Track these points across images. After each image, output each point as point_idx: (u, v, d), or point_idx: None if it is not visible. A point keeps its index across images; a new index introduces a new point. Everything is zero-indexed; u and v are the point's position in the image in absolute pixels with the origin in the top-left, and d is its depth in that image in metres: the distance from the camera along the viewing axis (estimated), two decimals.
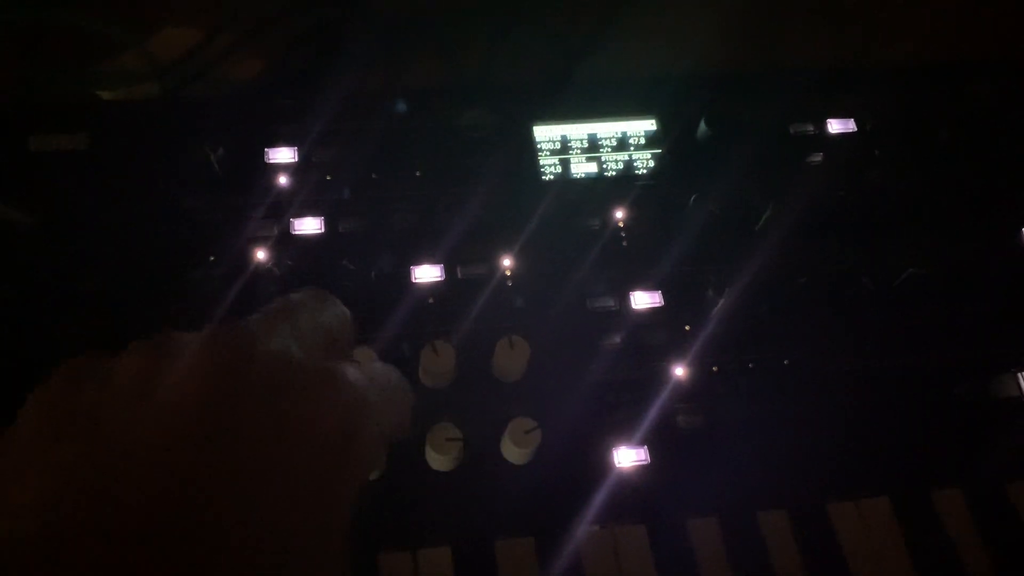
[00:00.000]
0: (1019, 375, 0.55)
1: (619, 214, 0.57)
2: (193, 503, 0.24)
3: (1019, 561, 0.50)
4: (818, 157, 0.60)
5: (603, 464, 0.49)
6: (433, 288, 0.53)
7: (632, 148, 0.60)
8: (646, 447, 0.50)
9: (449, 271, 0.54)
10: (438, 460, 0.47)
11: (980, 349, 0.55)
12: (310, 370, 0.28)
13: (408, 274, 0.53)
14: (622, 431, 0.50)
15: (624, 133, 0.60)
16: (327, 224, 0.54)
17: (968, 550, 0.50)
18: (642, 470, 0.49)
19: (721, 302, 0.53)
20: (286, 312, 0.31)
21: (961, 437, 0.53)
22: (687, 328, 0.54)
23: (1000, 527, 0.51)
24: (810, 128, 0.61)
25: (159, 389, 0.26)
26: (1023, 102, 0.64)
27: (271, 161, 0.56)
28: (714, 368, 0.53)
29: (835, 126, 0.62)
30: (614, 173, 0.59)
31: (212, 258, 0.52)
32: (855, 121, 0.62)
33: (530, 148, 0.59)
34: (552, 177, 0.58)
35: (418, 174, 0.56)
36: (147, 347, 0.28)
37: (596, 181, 0.58)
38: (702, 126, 0.59)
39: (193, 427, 0.25)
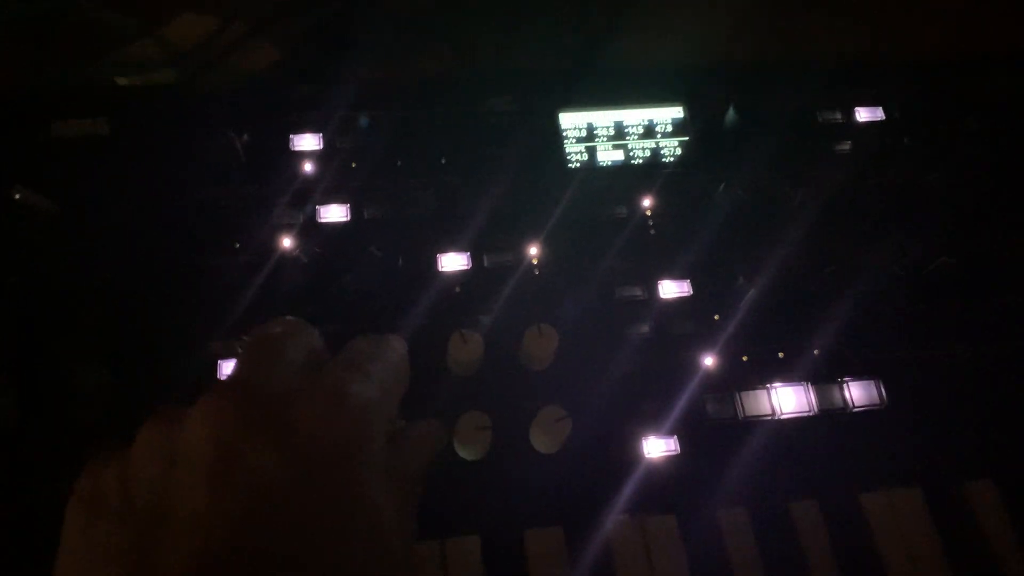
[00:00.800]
0: None
1: (646, 202, 0.56)
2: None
3: None
4: (846, 145, 0.60)
5: (632, 454, 0.49)
6: (460, 277, 0.53)
7: (659, 135, 0.59)
8: (676, 437, 0.49)
9: (475, 259, 0.53)
10: (467, 449, 0.47)
11: (1012, 339, 0.54)
12: (313, 392, 0.30)
13: (434, 262, 0.53)
14: (651, 421, 0.50)
15: (651, 120, 0.59)
16: (352, 212, 0.54)
17: (1001, 541, 0.50)
18: (672, 460, 0.49)
19: (750, 291, 0.53)
20: (270, 347, 0.31)
21: (994, 428, 0.52)
22: (716, 317, 0.53)
23: None
24: (838, 116, 0.61)
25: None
26: None
27: (296, 148, 0.55)
28: (744, 358, 0.52)
29: (863, 114, 0.61)
30: (641, 161, 0.58)
31: (237, 245, 0.52)
32: (883, 109, 0.61)
33: (556, 135, 0.58)
34: (578, 165, 0.58)
35: (443, 161, 0.56)
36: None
37: (623, 169, 0.58)
38: (730, 113, 0.59)
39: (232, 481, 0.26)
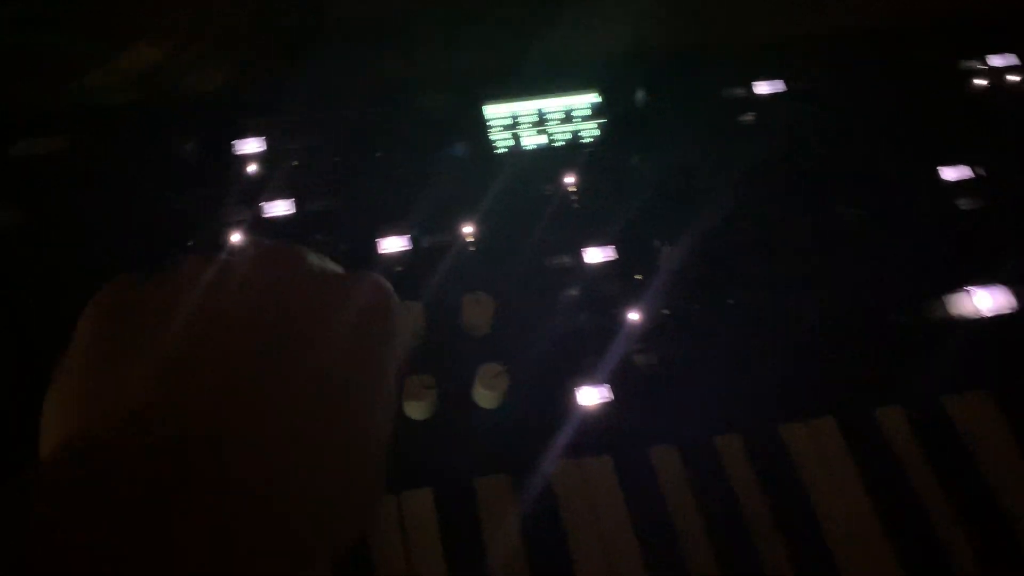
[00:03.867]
0: (947, 299, 0.59)
1: (569, 179, 0.61)
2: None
3: (957, 469, 0.54)
4: (750, 117, 0.65)
5: (569, 404, 0.53)
6: (400, 257, 0.57)
7: (578, 120, 0.64)
8: (608, 386, 0.54)
9: (415, 241, 0.57)
10: (415, 408, 0.50)
11: (911, 277, 0.60)
12: (345, 275, 0.34)
13: (375, 246, 0.57)
14: (585, 373, 0.54)
15: (570, 107, 0.64)
16: (297, 206, 0.58)
17: (911, 461, 0.55)
18: (605, 407, 0.53)
19: (668, 251, 0.58)
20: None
21: (899, 358, 0.57)
22: (638, 277, 0.58)
23: (938, 438, 0.55)
24: (741, 91, 0.66)
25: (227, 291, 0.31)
26: (928, 60, 0.70)
27: (240, 152, 0.59)
28: (665, 311, 0.57)
29: (765, 88, 0.67)
30: (562, 143, 0.63)
31: (191, 243, 0.56)
32: (784, 82, 0.67)
33: (482, 125, 0.63)
34: (505, 150, 0.62)
35: (378, 155, 0.60)
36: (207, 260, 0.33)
37: (546, 151, 0.63)
38: (640, 95, 0.64)
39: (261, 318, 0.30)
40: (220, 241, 0.56)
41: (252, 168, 0.59)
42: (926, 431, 0.56)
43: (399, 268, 0.57)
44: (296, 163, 0.59)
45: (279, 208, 0.57)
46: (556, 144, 0.63)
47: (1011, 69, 0.71)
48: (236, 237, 0.56)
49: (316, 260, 0.34)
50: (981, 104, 0.70)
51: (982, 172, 0.65)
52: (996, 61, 0.72)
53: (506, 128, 0.63)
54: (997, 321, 0.59)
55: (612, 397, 0.53)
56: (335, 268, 0.35)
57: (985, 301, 0.60)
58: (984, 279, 0.60)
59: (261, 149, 0.59)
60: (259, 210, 0.57)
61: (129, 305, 0.31)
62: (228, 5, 0.71)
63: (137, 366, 0.28)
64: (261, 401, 0.27)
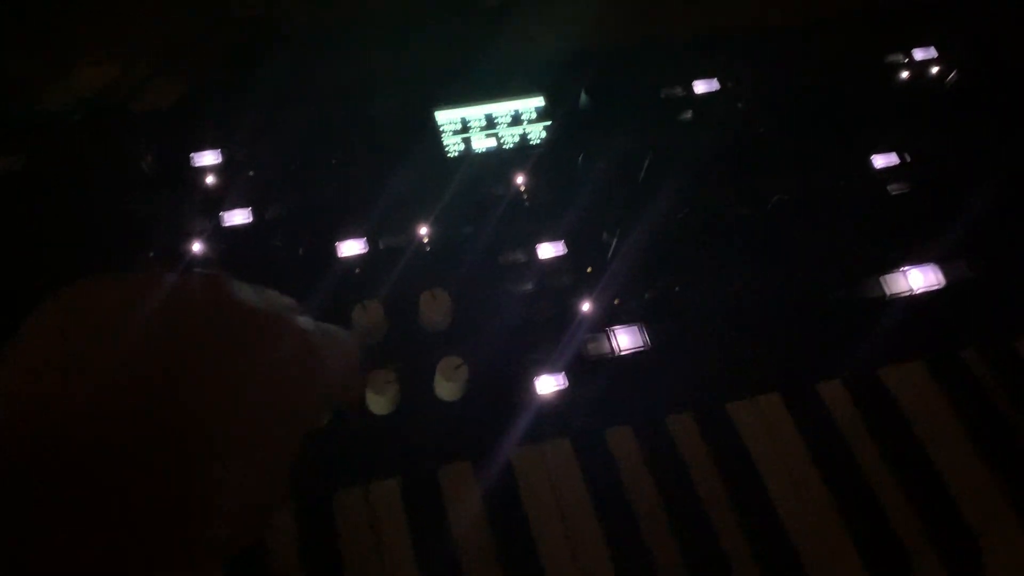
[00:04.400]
0: (880, 278, 0.63)
1: (519, 180, 0.63)
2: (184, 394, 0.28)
3: (895, 435, 0.58)
4: (688, 114, 0.68)
5: (527, 392, 0.55)
6: (358, 260, 0.59)
7: (525, 123, 0.67)
8: (563, 374, 0.56)
9: (371, 244, 0.59)
10: (378, 402, 0.52)
11: (845, 258, 0.63)
12: (270, 315, 0.32)
13: (334, 250, 0.59)
14: (541, 362, 0.56)
15: (517, 111, 0.67)
16: (255, 214, 0.59)
17: (852, 430, 0.58)
18: (561, 393, 0.56)
19: (615, 244, 0.60)
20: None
21: (837, 335, 0.61)
22: (589, 270, 0.60)
23: (876, 407, 0.59)
24: (679, 90, 0.69)
25: (144, 318, 0.30)
26: (861, 52, 0.74)
27: (197, 164, 0.61)
28: (616, 301, 0.59)
29: (701, 87, 0.70)
30: (511, 146, 0.66)
31: (152, 255, 0.57)
32: (718, 80, 0.70)
33: (434, 131, 0.65)
34: (456, 154, 0.65)
35: (333, 162, 0.62)
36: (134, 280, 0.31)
37: (496, 154, 0.65)
38: (583, 97, 0.67)
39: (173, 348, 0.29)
40: (181, 252, 0.57)
41: (210, 179, 0.60)
42: (865, 401, 0.59)
43: (357, 270, 0.59)
44: (252, 172, 0.61)
45: (238, 217, 0.59)
46: (505, 147, 0.66)
47: (931, 61, 0.75)
48: (197, 247, 0.57)
49: (248, 293, 0.33)
50: (906, 94, 0.74)
51: (908, 158, 0.69)
52: (919, 54, 0.76)
53: (456, 133, 0.65)
54: (927, 296, 0.63)
55: (567, 384, 0.56)
56: (270, 300, 0.35)
57: (915, 279, 0.63)
58: (914, 258, 0.64)
59: (218, 160, 0.61)
60: (219, 220, 0.59)
61: (87, 308, 0.32)
62: (178, 20, 0.73)
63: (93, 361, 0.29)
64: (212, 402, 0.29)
